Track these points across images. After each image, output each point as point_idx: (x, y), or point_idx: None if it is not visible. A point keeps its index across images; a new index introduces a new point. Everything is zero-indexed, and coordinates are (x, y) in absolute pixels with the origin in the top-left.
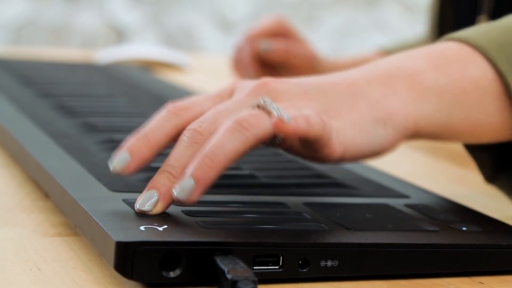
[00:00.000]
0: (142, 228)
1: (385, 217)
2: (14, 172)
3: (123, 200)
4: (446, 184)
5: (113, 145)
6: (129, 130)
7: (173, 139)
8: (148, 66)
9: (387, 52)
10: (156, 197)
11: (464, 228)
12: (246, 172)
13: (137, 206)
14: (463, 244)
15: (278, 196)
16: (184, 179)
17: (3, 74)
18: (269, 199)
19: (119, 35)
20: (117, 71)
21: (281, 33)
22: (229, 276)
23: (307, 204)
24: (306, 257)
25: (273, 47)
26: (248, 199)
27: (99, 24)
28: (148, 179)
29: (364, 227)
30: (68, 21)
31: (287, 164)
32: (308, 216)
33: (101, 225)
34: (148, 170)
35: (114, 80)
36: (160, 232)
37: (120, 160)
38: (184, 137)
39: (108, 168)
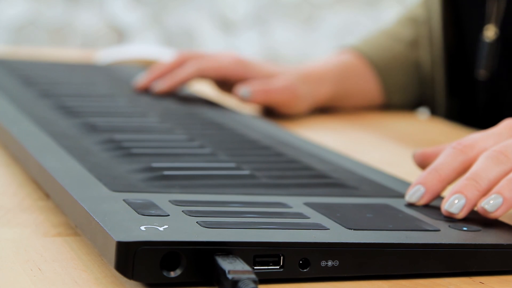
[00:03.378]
0: (142, 228)
1: (385, 217)
2: (14, 172)
3: (123, 200)
4: None
5: (114, 145)
6: (129, 130)
7: (460, 175)
8: (149, 66)
9: (352, 48)
10: (463, 201)
11: (464, 228)
12: (246, 172)
13: (445, 207)
14: (464, 244)
15: (278, 196)
16: (494, 196)
17: (3, 74)
18: (269, 199)
19: (120, 35)
20: (117, 71)
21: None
22: (229, 276)
23: (307, 204)
24: (306, 257)
25: (254, 90)
26: (249, 199)
27: (100, 24)
28: (147, 180)
29: (365, 227)
30: (69, 21)
31: (288, 164)
32: (309, 216)
33: (102, 225)
34: (147, 171)
35: (114, 80)
36: (160, 232)
37: (415, 192)
38: (491, 153)
39: (108, 168)
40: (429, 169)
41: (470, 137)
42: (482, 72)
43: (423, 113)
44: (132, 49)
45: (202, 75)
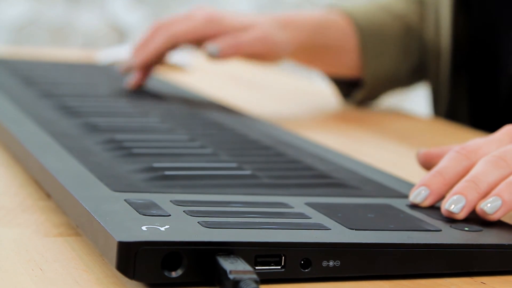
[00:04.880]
0: (144, 228)
1: (387, 217)
2: (16, 172)
3: (125, 200)
4: None
5: (115, 145)
6: (131, 130)
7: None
8: None
9: (338, 8)
10: (464, 202)
11: (466, 228)
12: (248, 172)
13: (445, 207)
14: (465, 244)
15: (280, 196)
16: (493, 198)
17: (4, 74)
18: (271, 199)
19: (121, 35)
20: (118, 71)
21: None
22: (231, 276)
23: (309, 204)
24: (308, 257)
25: (222, 45)
26: (250, 199)
27: (101, 24)
28: (148, 180)
29: (366, 227)
30: (70, 21)
31: (289, 164)
32: (310, 216)
33: (103, 225)
34: (148, 171)
35: (115, 80)
36: (162, 232)
37: (419, 193)
38: (491, 158)
39: (109, 168)
40: (434, 171)
41: (473, 143)
42: None
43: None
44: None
45: (174, 43)
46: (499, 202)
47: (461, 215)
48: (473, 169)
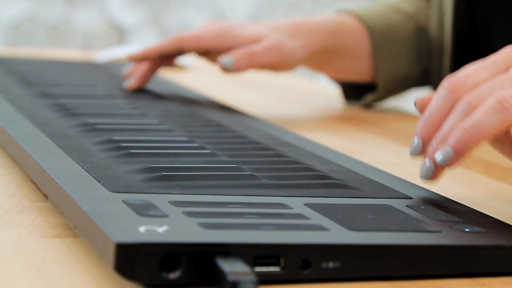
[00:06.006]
0: (142, 229)
1: (387, 218)
2: (13, 173)
3: (122, 201)
4: (448, 184)
5: (113, 145)
6: (129, 130)
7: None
8: None
9: (348, 11)
10: (428, 165)
11: (466, 229)
12: (247, 172)
13: (430, 153)
14: (466, 245)
15: (279, 197)
16: (445, 148)
17: (2, 74)
18: (270, 200)
19: (120, 35)
20: (117, 70)
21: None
22: (229, 278)
23: (308, 205)
24: (307, 258)
25: (236, 57)
26: (249, 200)
27: (100, 23)
28: (147, 181)
29: (366, 228)
30: (68, 21)
31: (288, 164)
32: (310, 217)
33: (101, 226)
34: (146, 171)
35: (114, 80)
36: (160, 233)
37: (414, 147)
38: (459, 109)
39: (107, 168)
40: (423, 117)
41: (462, 72)
42: None
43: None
44: (133, 49)
45: (181, 47)
46: (451, 152)
47: (448, 164)
48: (471, 115)
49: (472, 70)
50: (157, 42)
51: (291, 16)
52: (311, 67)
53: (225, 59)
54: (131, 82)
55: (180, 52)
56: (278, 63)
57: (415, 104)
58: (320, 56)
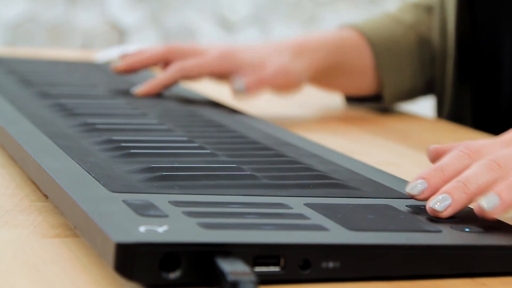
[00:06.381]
0: (142, 229)
1: (386, 218)
2: (13, 173)
3: (122, 201)
4: None
5: (113, 145)
6: (129, 130)
7: None
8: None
9: (350, 25)
10: (449, 201)
11: (466, 229)
12: (247, 172)
13: (430, 204)
14: (465, 245)
15: (279, 197)
16: (490, 195)
17: (2, 74)
18: (270, 200)
19: (120, 35)
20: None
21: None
22: (229, 278)
23: (308, 205)
24: (307, 258)
25: (247, 82)
26: (249, 199)
27: (100, 23)
28: (147, 181)
29: (366, 228)
30: (68, 21)
31: (288, 164)
32: (309, 217)
33: (101, 226)
34: (146, 171)
35: (114, 80)
36: (160, 233)
37: (417, 185)
38: (485, 161)
39: (107, 168)
40: (434, 166)
41: (478, 142)
42: None
43: (426, 111)
44: (132, 49)
45: (186, 77)
46: (496, 199)
47: (445, 214)
48: (466, 171)
49: (487, 143)
50: (161, 76)
51: (291, 16)
52: (315, 84)
53: (237, 84)
54: (142, 89)
55: (186, 80)
56: (286, 85)
57: (428, 151)
58: (323, 74)
